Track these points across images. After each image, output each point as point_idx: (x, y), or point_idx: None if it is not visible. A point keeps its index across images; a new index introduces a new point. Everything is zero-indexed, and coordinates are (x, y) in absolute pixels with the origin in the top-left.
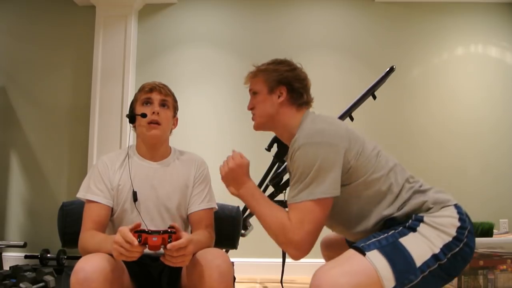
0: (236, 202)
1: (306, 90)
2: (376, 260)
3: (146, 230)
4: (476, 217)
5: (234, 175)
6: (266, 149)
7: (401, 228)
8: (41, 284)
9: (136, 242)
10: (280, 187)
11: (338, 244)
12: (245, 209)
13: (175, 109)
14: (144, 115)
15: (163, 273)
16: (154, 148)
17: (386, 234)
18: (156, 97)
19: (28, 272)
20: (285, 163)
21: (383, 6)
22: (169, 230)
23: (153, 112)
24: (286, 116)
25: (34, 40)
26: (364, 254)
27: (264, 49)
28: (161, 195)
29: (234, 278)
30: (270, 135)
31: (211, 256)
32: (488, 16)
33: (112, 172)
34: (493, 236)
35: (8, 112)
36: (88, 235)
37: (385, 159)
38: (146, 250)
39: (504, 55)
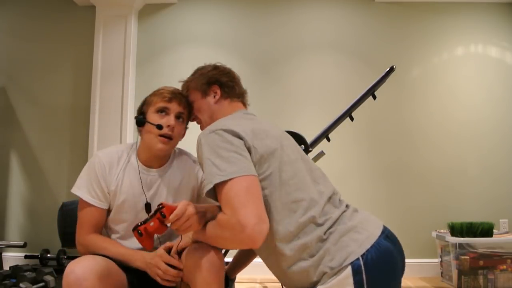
0: None
1: (235, 81)
2: None
3: (138, 223)
4: (476, 217)
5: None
6: None
7: None
8: (41, 284)
9: (181, 266)
10: None
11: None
12: None
13: (188, 120)
14: (160, 127)
15: None
16: (158, 158)
17: None
18: (174, 108)
19: (28, 272)
20: None
21: (383, 6)
22: (157, 207)
23: (169, 125)
24: (221, 112)
25: (34, 40)
26: None
27: (264, 49)
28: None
29: (234, 278)
30: None
31: (200, 251)
32: (488, 16)
33: (109, 176)
34: (493, 236)
35: (8, 112)
36: (99, 240)
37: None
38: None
39: (504, 55)
